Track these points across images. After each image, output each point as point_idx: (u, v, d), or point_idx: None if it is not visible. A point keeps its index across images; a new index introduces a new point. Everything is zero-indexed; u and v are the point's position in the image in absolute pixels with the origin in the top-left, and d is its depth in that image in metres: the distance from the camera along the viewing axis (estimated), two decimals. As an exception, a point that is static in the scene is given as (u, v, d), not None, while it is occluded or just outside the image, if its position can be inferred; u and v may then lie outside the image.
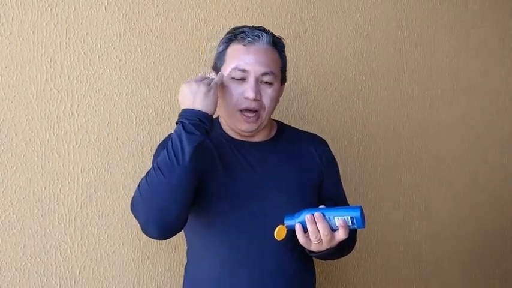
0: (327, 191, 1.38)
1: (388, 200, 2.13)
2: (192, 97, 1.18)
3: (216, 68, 1.32)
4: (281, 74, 1.34)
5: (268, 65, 1.27)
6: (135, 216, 1.22)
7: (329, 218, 1.15)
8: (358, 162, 2.02)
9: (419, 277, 2.25)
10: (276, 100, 1.32)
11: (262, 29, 1.31)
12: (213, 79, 1.25)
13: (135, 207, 1.20)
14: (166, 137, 1.34)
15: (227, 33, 1.32)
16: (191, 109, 1.18)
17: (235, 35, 1.29)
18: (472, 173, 2.44)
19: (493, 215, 2.55)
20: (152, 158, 1.32)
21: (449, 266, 2.36)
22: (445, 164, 2.33)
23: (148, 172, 1.18)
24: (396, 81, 2.14)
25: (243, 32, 1.28)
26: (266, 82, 1.27)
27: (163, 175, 1.13)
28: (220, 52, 1.31)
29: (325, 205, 1.21)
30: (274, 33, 1.33)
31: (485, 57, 2.49)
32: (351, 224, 1.15)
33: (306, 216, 1.15)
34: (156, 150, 1.32)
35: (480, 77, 2.47)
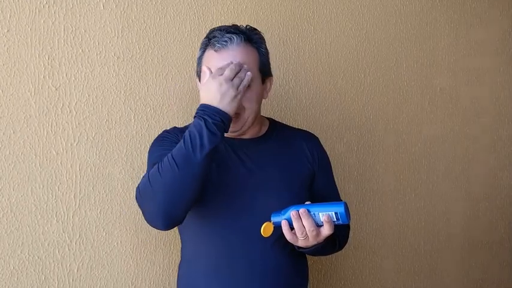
0: (319, 187, 1.39)
1: (386, 197, 2.13)
2: (219, 97, 1.15)
3: (198, 73, 1.32)
4: (262, 70, 1.30)
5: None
6: (142, 206, 1.21)
7: (314, 214, 1.16)
8: (356, 159, 2.02)
9: (418, 274, 2.25)
10: (257, 99, 1.28)
11: (234, 30, 1.26)
12: (241, 80, 1.20)
13: (143, 197, 1.18)
14: (162, 134, 1.34)
15: (204, 38, 1.30)
16: (217, 108, 1.15)
17: (209, 40, 1.27)
18: (471, 171, 2.44)
19: (492, 212, 2.56)
20: (147, 154, 1.31)
21: (448, 262, 2.36)
22: (443, 162, 2.33)
23: (160, 164, 1.16)
24: (395, 78, 2.14)
25: (215, 36, 1.25)
26: None
27: (178, 168, 1.12)
28: (199, 58, 1.31)
29: (317, 201, 1.22)
30: (252, 28, 1.30)
31: (485, 55, 2.48)
32: (335, 219, 1.17)
33: (291, 213, 1.16)
34: (152, 146, 1.31)
35: (479, 75, 2.46)
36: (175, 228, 1.32)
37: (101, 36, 1.45)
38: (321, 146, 1.45)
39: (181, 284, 1.36)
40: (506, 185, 2.61)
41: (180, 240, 1.40)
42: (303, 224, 1.16)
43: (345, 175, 1.97)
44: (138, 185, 1.20)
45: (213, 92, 1.16)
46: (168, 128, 1.37)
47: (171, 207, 1.15)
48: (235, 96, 1.17)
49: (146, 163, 1.31)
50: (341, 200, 1.43)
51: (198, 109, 1.17)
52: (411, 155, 2.20)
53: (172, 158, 1.14)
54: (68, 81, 1.40)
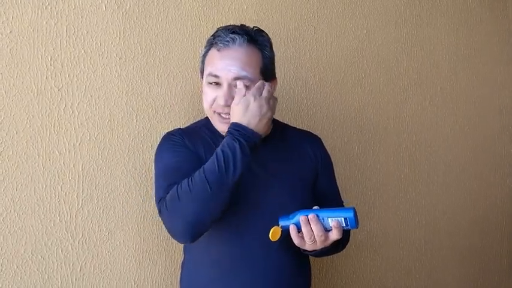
0: (321, 188, 1.39)
1: (387, 196, 2.13)
2: (258, 118, 1.18)
3: (201, 71, 1.33)
4: (264, 73, 1.29)
5: (242, 68, 1.23)
6: (167, 221, 1.20)
7: (323, 219, 1.16)
8: (357, 159, 2.03)
9: (419, 273, 2.26)
10: None
11: (238, 30, 1.27)
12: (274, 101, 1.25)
13: (170, 212, 1.17)
14: (167, 137, 1.33)
15: (210, 37, 1.31)
16: (252, 130, 1.17)
17: (213, 38, 1.28)
18: (471, 170, 2.45)
19: (493, 211, 2.56)
20: (156, 158, 1.31)
21: (448, 261, 2.37)
22: (444, 161, 2.33)
23: (190, 180, 1.16)
24: (395, 78, 2.14)
25: (219, 36, 1.26)
26: None
27: (211, 188, 1.13)
28: (203, 56, 1.31)
29: (318, 202, 1.23)
30: (259, 29, 1.30)
31: (485, 54, 2.49)
32: (344, 224, 1.17)
33: (301, 218, 1.16)
34: (161, 151, 1.30)
35: (479, 74, 2.47)
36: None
37: (103, 37, 1.46)
38: (323, 146, 1.45)
39: (184, 283, 1.37)
40: (506, 185, 2.62)
41: (182, 240, 1.41)
42: (312, 229, 1.16)
43: (346, 174, 1.97)
44: (164, 199, 1.20)
45: (254, 112, 1.18)
46: (171, 130, 1.36)
47: (201, 221, 1.16)
48: (270, 118, 1.21)
49: (153, 166, 1.30)
50: (342, 200, 1.44)
51: (232, 128, 1.18)
52: (412, 154, 2.21)
53: (205, 177, 1.14)
54: (70, 81, 1.41)
